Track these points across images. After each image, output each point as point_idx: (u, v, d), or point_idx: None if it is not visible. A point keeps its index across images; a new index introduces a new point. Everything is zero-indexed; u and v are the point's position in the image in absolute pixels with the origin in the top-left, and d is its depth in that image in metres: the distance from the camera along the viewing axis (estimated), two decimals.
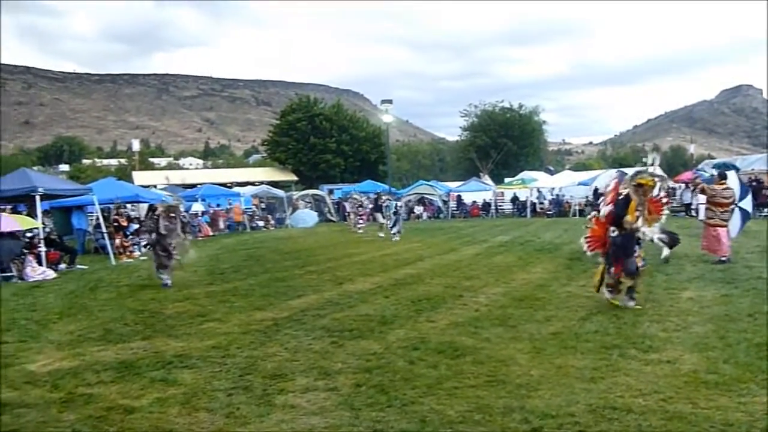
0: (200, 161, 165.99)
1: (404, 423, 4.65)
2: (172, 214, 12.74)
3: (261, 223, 35.64)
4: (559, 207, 39.60)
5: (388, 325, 8.01)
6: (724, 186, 13.20)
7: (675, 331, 7.14)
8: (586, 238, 9.12)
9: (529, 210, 40.17)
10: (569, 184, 41.31)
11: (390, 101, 45.98)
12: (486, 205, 43.19)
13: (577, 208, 38.13)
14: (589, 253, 9.15)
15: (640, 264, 8.62)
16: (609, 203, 8.87)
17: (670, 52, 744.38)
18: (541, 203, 41.35)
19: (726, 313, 8.00)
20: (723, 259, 12.59)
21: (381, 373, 5.89)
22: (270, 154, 66.95)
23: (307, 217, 37.84)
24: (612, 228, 8.63)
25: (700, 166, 41.15)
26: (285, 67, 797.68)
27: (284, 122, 62.03)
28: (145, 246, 13.05)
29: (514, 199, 43.16)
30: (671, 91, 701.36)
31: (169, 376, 6.01)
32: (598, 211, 9.14)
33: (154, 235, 12.72)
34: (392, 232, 22.88)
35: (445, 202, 44.07)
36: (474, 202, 43.84)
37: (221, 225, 33.09)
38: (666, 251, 9.83)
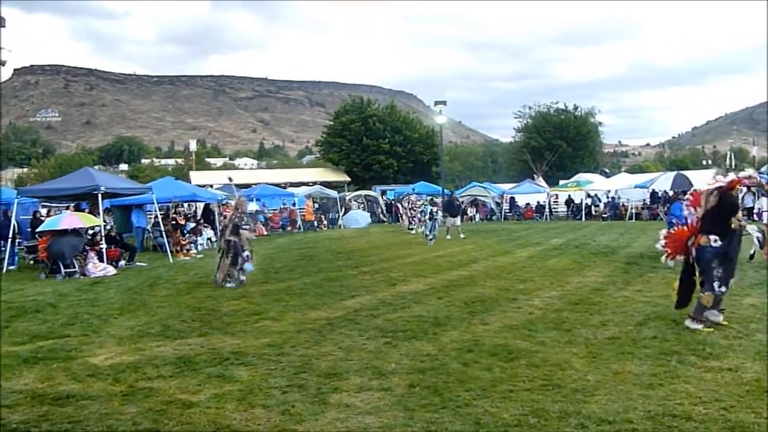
0: (255, 161, 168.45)
1: (458, 425, 4.64)
2: (243, 215, 12.98)
3: (315, 223, 35.93)
4: (615, 210, 38.87)
5: (441, 326, 8.01)
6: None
7: (736, 339, 6.97)
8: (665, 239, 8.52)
9: (583, 213, 39.54)
10: (625, 187, 40.52)
11: (444, 102, 45.81)
12: (540, 208, 42.64)
13: (633, 211, 37.40)
14: (669, 262, 8.55)
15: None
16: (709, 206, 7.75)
17: (731, 52, 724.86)
18: (596, 206, 40.66)
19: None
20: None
21: (435, 374, 5.89)
22: (323, 155, 67.56)
23: (359, 217, 38.00)
24: (713, 237, 7.61)
25: (762, 169, 40.01)
26: (338, 69, 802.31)
27: (337, 123, 62.51)
28: (219, 251, 13.10)
29: (569, 202, 42.50)
30: (731, 92, 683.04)
31: (226, 373, 6.12)
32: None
33: (225, 239, 12.70)
34: (428, 237, 21.83)
35: (498, 204, 43.70)
36: (527, 204, 43.33)
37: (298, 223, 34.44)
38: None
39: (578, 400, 5.09)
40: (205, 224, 25.00)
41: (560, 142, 63.27)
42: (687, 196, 8.48)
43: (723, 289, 7.52)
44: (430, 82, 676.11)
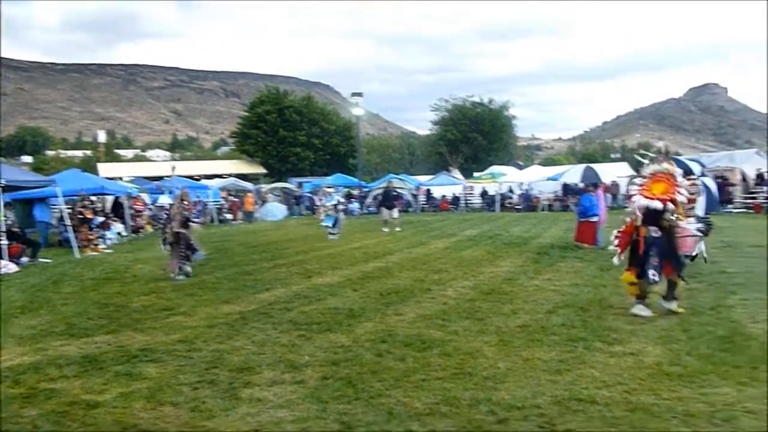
0: (168, 153, 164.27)
1: (371, 415, 4.64)
2: (186, 203, 12.74)
3: (229, 216, 35.40)
4: (528, 202, 39.87)
5: (356, 318, 8.00)
6: (691, 182, 13.37)
7: (640, 324, 7.24)
8: (618, 232, 8.39)
9: (498, 204, 40.36)
10: (538, 179, 41.65)
11: (360, 94, 45.94)
12: (455, 200, 43.30)
13: (545, 202, 38.45)
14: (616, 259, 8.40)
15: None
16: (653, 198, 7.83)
17: (640, 50, 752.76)
18: (510, 198, 41.57)
19: (690, 306, 8.10)
20: (688, 254, 12.75)
21: (348, 365, 5.88)
22: (238, 147, 66.48)
23: (276, 210, 37.65)
24: (653, 228, 7.78)
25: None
26: (254, 59, 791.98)
27: (253, 114, 61.64)
28: (163, 242, 12.79)
29: (483, 194, 43.32)
30: (640, 88, 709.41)
31: (134, 370, 5.93)
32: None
33: (173, 231, 12.38)
34: (330, 231, 20.41)
35: (414, 196, 44.12)
36: (443, 196, 43.93)
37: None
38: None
39: (489, 387, 5.18)
40: (115, 218, 24.25)
41: (476, 134, 64.41)
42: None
43: (656, 278, 7.71)
44: (347, 74, 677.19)
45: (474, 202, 44.07)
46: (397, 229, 23.31)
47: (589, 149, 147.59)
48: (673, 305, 7.86)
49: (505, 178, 43.56)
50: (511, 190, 42.41)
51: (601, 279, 10.53)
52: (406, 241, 19.09)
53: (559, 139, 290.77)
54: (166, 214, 13.15)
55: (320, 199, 30.73)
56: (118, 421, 4.70)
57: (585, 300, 8.66)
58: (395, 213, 24.31)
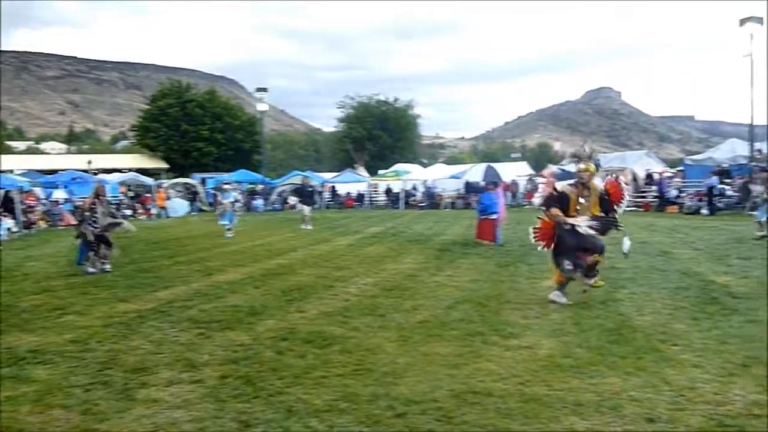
0: (63, 146, 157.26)
1: (270, 413, 4.62)
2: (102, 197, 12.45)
3: (128, 212, 34.30)
4: (432, 199, 40.48)
5: (257, 315, 7.93)
6: None
7: (535, 318, 7.49)
8: (534, 228, 8.76)
9: (402, 202, 40.78)
10: (441, 177, 42.39)
11: (265, 89, 45.52)
12: (360, 197, 43.53)
13: (448, 200, 39.14)
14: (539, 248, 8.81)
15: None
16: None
17: (541, 53, 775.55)
18: (414, 195, 42.09)
19: (582, 300, 8.45)
20: None
21: (248, 364, 5.82)
22: (139, 140, 64.25)
23: (177, 206, 36.78)
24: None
25: (563, 162, 43.24)
26: (156, 51, 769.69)
27: (155, 107, 59.75)
28: (76, 237, 12.36)
29: (388, 191, 43.71)
30: (541, 90, 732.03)
31: (21, 373, 5.68)
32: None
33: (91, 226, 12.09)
34: (225, 228, 19.84)
35: (319, 193, 44.01)
36: (348, 193, 44.09)
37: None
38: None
39: (388, 382, 5.24)
40: (5, 213, 23.09)
41: (381, 132, 64.76)
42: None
43: (570, 268, 8.24)
44: (252, 68, 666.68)
45: (379, 200, 44.40)
46: (309, 227, 22.91)
47: (492, 148, 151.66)
48: (591, 281, 8.39)
49: (409, 176, 44.14)
50: (415, 188, 42.96)
51: (500, 275, 10.82)
52: (309, 238, 19.04)
53: (463, 138, 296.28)
54: (80, 209, 12.70)
55: (219, 196, 30.20)
56: (3, 427, 4.50)
57: (483, 295, 8.88)
58: (309, 210, 23.92)
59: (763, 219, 15.57)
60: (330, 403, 4.80)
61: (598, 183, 8.57)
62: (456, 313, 7.83)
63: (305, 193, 24.49)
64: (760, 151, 27.94)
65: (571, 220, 8.29)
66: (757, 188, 18.38)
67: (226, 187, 22.79)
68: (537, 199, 9.03)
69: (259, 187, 43.82)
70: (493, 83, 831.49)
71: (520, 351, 6.09)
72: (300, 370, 5.61)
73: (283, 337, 6.78)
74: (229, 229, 19.73)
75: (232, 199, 21.03)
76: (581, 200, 8.32)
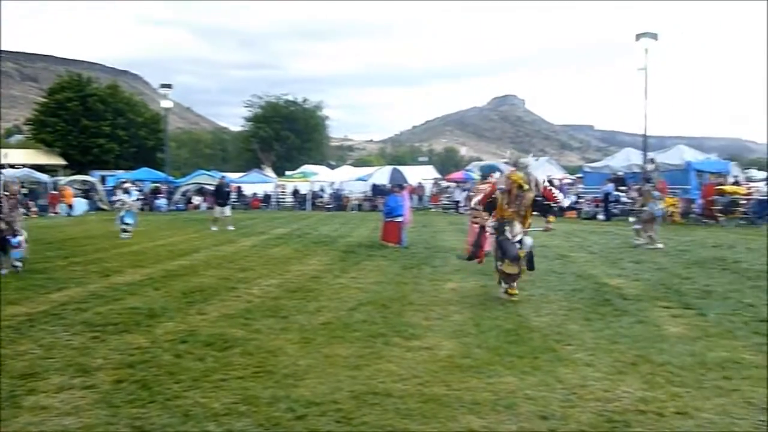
0: None
1: (166, 418, 4.51)
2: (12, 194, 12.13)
3: (22, 210, 32.71)
4: (339, 201, 40.52)
5: (156, 318, 7.71)
6: (487, 185, 14.23)
7: (436, 320, 7.61)
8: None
9: (309, 203, 40.65)
10: (349, 179, 42.48)
11: (170, 86, 44.41)
12: (266, 198, 43.09)
13: (355, 202, 39.27)
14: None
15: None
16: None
17: (448, 59, 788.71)
18: (321, 197, 42.01)
19: (482, 302, 8.68)
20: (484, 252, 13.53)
21: (145, 368, 5.66)
22: (34, 135, 61.31)
23: (75, 204, 35.39)
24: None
25: (469, 167, 44.23)
26: (55, 42, 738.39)
27: (52, 101, 57.12)
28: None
29: (295, 192, 43.45)
30: (448, 95, 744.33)
31: None
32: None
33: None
34: (125, 229, 18.84)
35: (228, 193, 43.24)
36: (254, 194, 43.53)
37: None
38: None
39: (289, 384, 5.21)
40: None
41: (289, 133, 64.41)
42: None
43: (498, 264, 8.88)
44: (158, 64, 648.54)
45: (285, 201, 44.06)
46: (230, 227, 22.05)
47: (399, 152, 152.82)
48: (499, 291, 8.98)
49: (316, 178, 44.02)
50: (322, 190, 42.88)
51: (403, 277, 10.93)
52: (213, 238, 18.69)
53: (371, 141, 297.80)
54: None
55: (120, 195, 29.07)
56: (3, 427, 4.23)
57: (387, 297, 8.95)
58: (227, 211, 22.92)
59: (638, 227, 16.19)
60: (229, 406, 4.73)
61: (534, 184, 8.90)
62: (359, 314, 7.86)
63: (223, 194, 23.62)
64: (652, 160, 29.30)
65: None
66: (633, 195, 19.14)
67: (128, 185, 21.91)
68: (475, 199, 9.33)
69: (163, 186, 42.70)
70: (402, 87, 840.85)
71: (420, 352, 6.17)
72: (199, 373, 5.50)
73: (183, 339, 6.62)
74: (125, 230, 18.88)
75: (134, 198, 20.21)
76: (507, 205, 8.76)
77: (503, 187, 8.84)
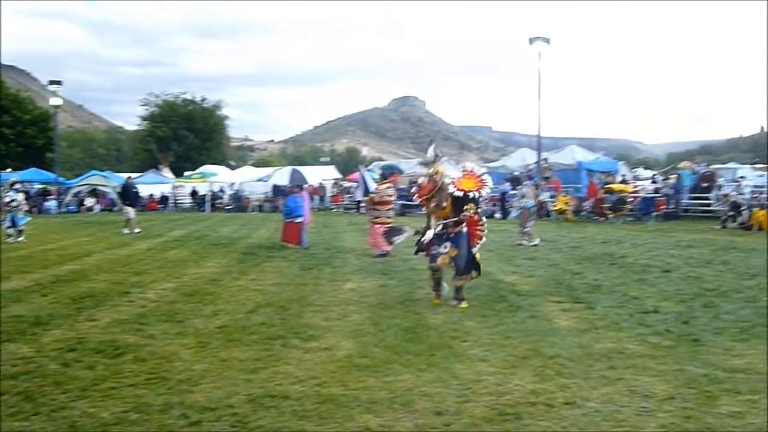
0: None
1: (51, 430, 4.32)
2: None
3: None
4: (239, 202, 39.93)
5: (42, 326, 7.36)
6: (387, 185, 14.37)
7: (336, 320, 7.61)
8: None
9: (208, 204, 39.88)
10: (249, 180, 41.94)
11: (59, 82, 42.59)
12: (164, 199, 41.99)
13: (256, 203, 38.80)
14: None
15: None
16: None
17: (350, 59, 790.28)
18: (221, 198, 41.31)
19: (381, 301, 8.73)
20: (384, 252, 13.66)
21: (29, 378, 5.39)
22: None
23: None
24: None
25: (370, 167, 44.43)
26: None
27: None
28: None
29: (194, 193, 42.55)
30: (349, 95, 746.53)
31: None
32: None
33: None
34: (8, 233, 17.84)
35: (119, 194, 41.87)
36: (151, 195, 42.31)
37: None
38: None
39: (183, 390, 5.09)
40: None
41: (187, 133, 63.04)
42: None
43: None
44: (46, 59, 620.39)
45: (184, 202, 43.08)
46: (137, 230, 21.30)
47: (301, 152, 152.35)
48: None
49: (216, 178, 43.29)
50: (222, 190, 42.16)
51: (303, 278, 10.88)
52: (107, 241, 18.04)
53: (273, 141, 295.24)
54: None
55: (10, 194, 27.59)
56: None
57: (286, 298, 8.89)
58: (132, 212, 22.02)
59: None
60: (119, 415, 4.57)
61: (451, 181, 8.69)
62: (257, 317, 7.77)
63: (131, 195, 22.71)
64: (546, 159, 30.35)
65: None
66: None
67: (17, 186, 20.63)
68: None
69: (54, 187, 40.90)
70: (303, 87, 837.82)
71: (319, 353, 6.15)
72: (88, 382, 5.29)
73: (71, 347, 6.34)
74: (10, 235, 17.92)
75: (16, 203, 18.95)
76: (432, 205, 8.55)
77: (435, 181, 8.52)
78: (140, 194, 26.56)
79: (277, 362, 5.83)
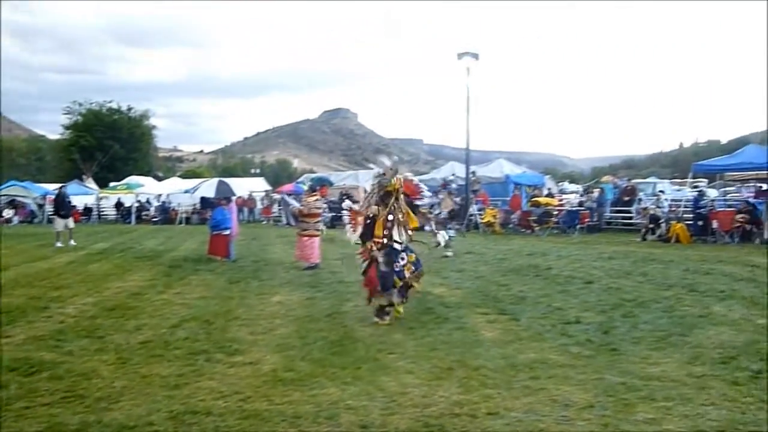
0: None
1: None
2: None
3: None
4: (166, 214, 39.12)
5: None
6: (315, 198, 14.32)
7: (261, 334, 7.52)
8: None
9: (134, 216, 38.95)
10: (176, 191, 41.16)
11: None
12: (87, 210, 40.78)
13: (183, 215, 38.08)
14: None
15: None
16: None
17: (281, 71, 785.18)
18: (147, 210, 40.40)
19: (308, 314, 8.68)
20: (312, 264, 13.59)
21: None
22: None
23: None
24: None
25: (300, 179, 44.28)
26: None
27: None
28: None
29: (119, 205, 41.48)
30: (280, 108, 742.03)
31: None
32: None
33: None
34: None
35: (40, 206, 40.49)
36: (74, 206, 41.02)
37: None
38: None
39: (101, 408, 4.95)
40: None
41: (112, 142, 61.48)
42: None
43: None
44: None
45: (108, 214, 41.95)
46: (72, 243, 20.44)
47: (231, 163, 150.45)
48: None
49: (142, 189, 42.31)
50: (148, 202, 41.25)
51: (230, 291, 10.72)
52: (25, 254, 17.36)
53: (202, 152, 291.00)
54: None
55: None
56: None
57: (211, 312, 8.74)
58: (71, 223, 21.18)
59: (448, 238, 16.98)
60: None
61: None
62: (181, 331, 7.62)
63: (65, 205, 21.61)
64: (474, 173, 30.75)
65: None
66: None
67: None
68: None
69: None
70: (234, 98, 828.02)
71: (244, 367, 6.07)
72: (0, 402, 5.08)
73: None
74: None
75: None
76: (390, 216, 8.30)
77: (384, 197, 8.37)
78: (72, 204, 25.17)
79: (200, 378, 5.73)
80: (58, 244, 20.12)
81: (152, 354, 6.54)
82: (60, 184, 29.64)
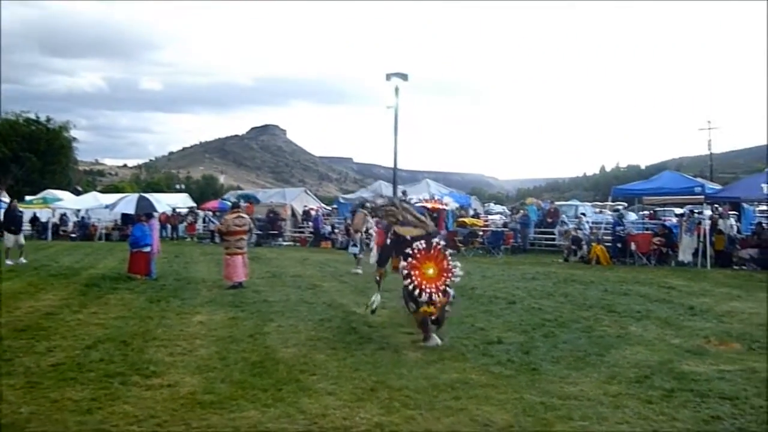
0: None
1: None
2: None
3: None
4: (85, 230, 37.91)
5: None
6: (236, 215, 14.09)
7: (181, 355, 7.34)
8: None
9: (50, 232, 37.56)
10: (96, 206, 39.91)
11: None
12: None
13: (103, 231, 36.98)
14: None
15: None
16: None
17: (206, 86, 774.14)
18: (65, 225, 39.05)
19: (230, 334, 8.52)
20: (236, 284, 13.37)
21: None
22: None
23: None
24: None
25: (226, 196, 43.71)
26: None
27: None
28: None
29: (34, 220, 39.92)
30: (207, 123, 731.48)
31: None
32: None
33: None
34: None
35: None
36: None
37: None
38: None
39: None
40: None
41: (29, 154, 59.32)
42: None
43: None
44: None
45: (23, 229, 40.30)
46: (23, 260, 19.29)
47: (155, 178, 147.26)
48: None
49: (59, 204, 40.85)
50: (66, 217, 39.89)
51: (149, 311, 10.42)
52: None
53: (125, 166, 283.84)
54: None
55: None
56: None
57: (129, 333, 8.48)
58: (21, 239, 20.03)
59: (357, 252, 17.90)
60: None
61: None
62: (96, 353, 7.35)
63: (15, 220, 20.36)
64: (405, 192, 30.95)
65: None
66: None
67: None
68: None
69: None
70: (159, 112, 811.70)
71: (161, 390, 5.90)
72: None
73: None
74: None
75: None
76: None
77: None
78: (23, 218, 23.39)
79: (114, 401, 5.53)
80: (9, 262, 18.86)
81: (64, 377, 6.28)
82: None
